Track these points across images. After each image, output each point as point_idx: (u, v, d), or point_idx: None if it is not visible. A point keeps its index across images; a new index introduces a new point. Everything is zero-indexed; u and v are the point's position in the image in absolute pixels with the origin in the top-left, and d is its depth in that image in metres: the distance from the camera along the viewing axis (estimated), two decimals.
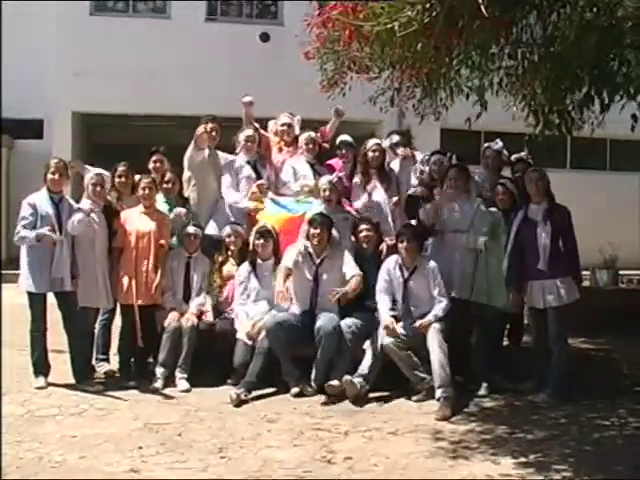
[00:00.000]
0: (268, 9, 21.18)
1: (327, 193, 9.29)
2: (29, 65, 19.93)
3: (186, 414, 7.70)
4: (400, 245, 8.52)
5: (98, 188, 8.81)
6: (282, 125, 10.26)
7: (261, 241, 9.02)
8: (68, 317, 8.56)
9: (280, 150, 10.27)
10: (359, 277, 8.64)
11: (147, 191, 9.11)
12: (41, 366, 8.52)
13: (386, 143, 10.18)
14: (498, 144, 9.87)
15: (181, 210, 9.41)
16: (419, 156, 9.89)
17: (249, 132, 9.98)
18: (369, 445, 6.86)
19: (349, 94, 9.82)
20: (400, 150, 9.86)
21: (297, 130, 10.37)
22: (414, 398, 8.18)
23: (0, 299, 8.89)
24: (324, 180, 9.40)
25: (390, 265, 8.60)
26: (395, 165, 10.02)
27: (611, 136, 19.08)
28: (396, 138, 10.19)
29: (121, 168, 9.41)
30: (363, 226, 9.00)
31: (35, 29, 20.12)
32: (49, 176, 8.55)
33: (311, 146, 10.08)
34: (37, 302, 8.41)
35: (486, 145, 9.95)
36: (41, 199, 8.39)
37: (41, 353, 8.51)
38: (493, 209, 8.73)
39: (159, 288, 9.00)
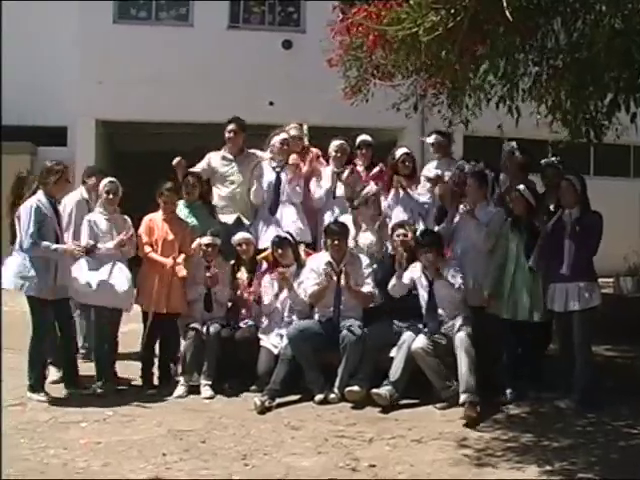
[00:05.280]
0: (290, 16, 21.16)
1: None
2: (52, 72, 19.91)
3: (210, 421, 7.69)
4: (421, 252, 8.51)
5: (111, 196, 8.84)
6: (291, 137, 10.19)
7: (279, 251, 9.05)
8: (64, 324, 8.58)
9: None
10: (371, 295, 8.84)
11: (168, 204, 9.15)
12: (40, 380, 8.42)
13: (428, 140, 10.19)
14: (509, 145, 9.82)
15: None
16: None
17: (285, 136, 9.95)
18: (393, 453, 6.83)
19: (372, 101, 9.82)
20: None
21: (306, 141, 10.35)
22: (438, 405, 8.16)
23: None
24: (370, 189, 9.41)
25: (415, 273, 8.59)
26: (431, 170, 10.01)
27: (635, 142, 18.98)
28: (437, 137, 10.15)
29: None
30: (400, 230, 8.99)
31: (59, 36, 20.13)
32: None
33: (340, 155, 10.04)
34: (43, 308, 8.29)
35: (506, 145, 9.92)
36: (42, 203, 8.29)
37: (43, 366, 8.48)
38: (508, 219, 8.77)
39: (183, 297, 9.03)
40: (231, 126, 10.01)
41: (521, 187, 8.68)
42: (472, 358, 8.04)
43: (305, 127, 10.35)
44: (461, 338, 8.11)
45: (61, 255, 8.33)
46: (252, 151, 10.11)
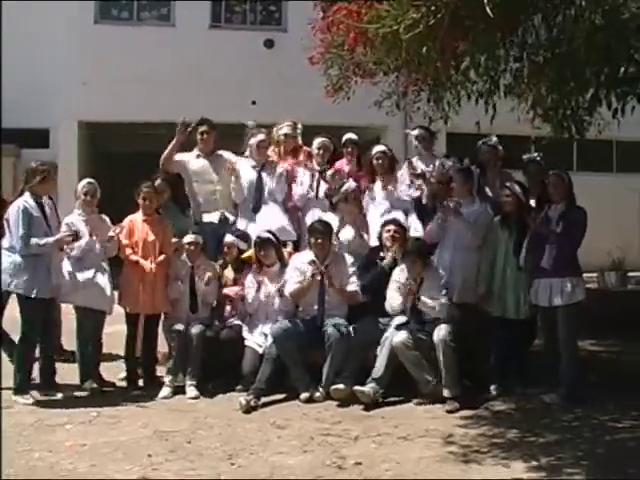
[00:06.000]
0: (272, 16, 21.17)
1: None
2: (35, 74, 19.88)
3: (195, 421, 7.68)
4: (407, 261, 8.49)
5: (89, 197, 8.82)
6: (284, 135, 10.21)
7: (262, 252, 9.04)
8: (48, 324, 8.57)
9: (280, 159, 10.23)
10: (356, 293, 8.83)
11: (147, 202, 9.11)
12: (26, 382, 8.38)
13: (412, 133, 10.18)
14: (492, 140, 9.82)
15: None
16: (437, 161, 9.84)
17: (261, 137, 9.95)
18: (379, 450, 6.82)
19: (354, 99, 9.82)
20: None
21: (299, 139, 10.34)
22: (415, 401, 8.21)
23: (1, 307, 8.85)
24: (349, 186, 9.44)
25: (400, 277, 8.54)
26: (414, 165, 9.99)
27: (617, 138, 19.03)
28: (421, 131, 10.14)
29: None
30: (390, 227, 8.99)
31: (41, 38, 20.08)
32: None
33: (322, 152, 10.04)
34: (34, 308, 8.27)
35: (481, 142, 9.89)
36: (30, 204, 8.28)
37: (28, 368, 8.39)
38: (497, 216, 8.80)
39: (166, 297, 9.01)
40: (203, 127, 10.04)
41: (512, 185, 8.72)
42: (451, 356, 8.09)
43: (299, 126, 10.34)
44: (440, 337, 8.12)
45: (53, 249, 8.35)
46: (220, 152, 10.13)
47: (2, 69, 18.35)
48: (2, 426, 7.03)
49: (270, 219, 9.64)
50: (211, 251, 9.42)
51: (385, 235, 8.95)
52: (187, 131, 9.95)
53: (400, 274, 8.56)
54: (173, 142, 9.93)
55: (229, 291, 9.16)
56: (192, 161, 10.03)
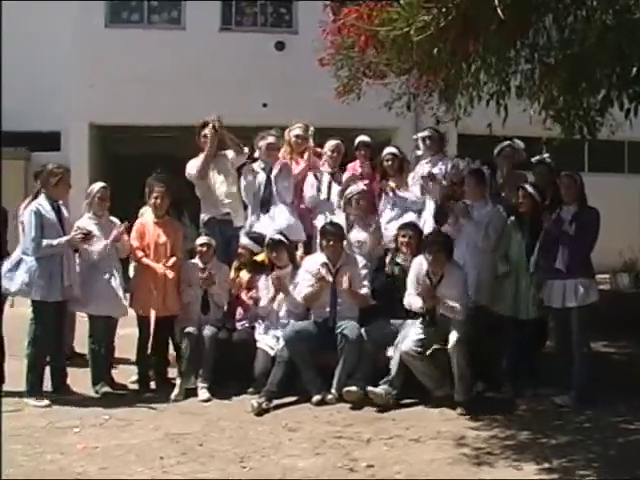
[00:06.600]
0: (283, 18, 21.15)
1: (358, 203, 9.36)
2: (45, 77, 19.88)
3: (207, 424, 7.67)
4: (428, 255, 8.33)
5: (102, 201, 8.83)
6: (295, 137, 10.22)
7: (274, 254, 9.04)
8: (59, 327, 8.57)
9: (291, 160, 10.23)
10: (367, 296, 8.79)
11: (159, 200, 9.11)
12: (38, 385, 8.36)
13: (420, 135, 10.18)
14: (515, 143, 9.81)
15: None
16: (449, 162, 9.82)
17: (271, 139, 9.96)
18: (391, 452, 6.82)
19: (364, 100, 9.80)
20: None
21: (311, 142, 10.33)
22: (429, 405, 8.17)
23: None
24: (353, 189, 9.42)
25: (419, 271, 8.45)
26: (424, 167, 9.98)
27: (629, 138, 18.98)
28: (432, 132, 10.13)
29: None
30: (405, 231, 8.95)
31: (51, 41, 20.09)
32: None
33: (335, 155, 10.04)
34: (47, 311, 8.31)
35: (505, 144, 9.86)
36: (44, 207, 8.32)
37: (39, 370, 8.38)
38: (511, 218, 8.78)
39: (178, 300, 9.01)
40: (207, 130, 10.04)
41: (527, 186, 8.69)
42: (464, 361, 8.00)
43: (311, 129, 10.32)
44: (453, 343, 8.00)
45: (65, 250, 8.34)
46: (223, 152, 10.13)
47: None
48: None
49: (279, 220, 9.64)
50: (219, 251, 9.41)
51: (401, 240, 8.91)
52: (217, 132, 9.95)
53: (419, 267, 8.44)
54: (208, 148, 9.88)
55: (244, 296, 9.16)
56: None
